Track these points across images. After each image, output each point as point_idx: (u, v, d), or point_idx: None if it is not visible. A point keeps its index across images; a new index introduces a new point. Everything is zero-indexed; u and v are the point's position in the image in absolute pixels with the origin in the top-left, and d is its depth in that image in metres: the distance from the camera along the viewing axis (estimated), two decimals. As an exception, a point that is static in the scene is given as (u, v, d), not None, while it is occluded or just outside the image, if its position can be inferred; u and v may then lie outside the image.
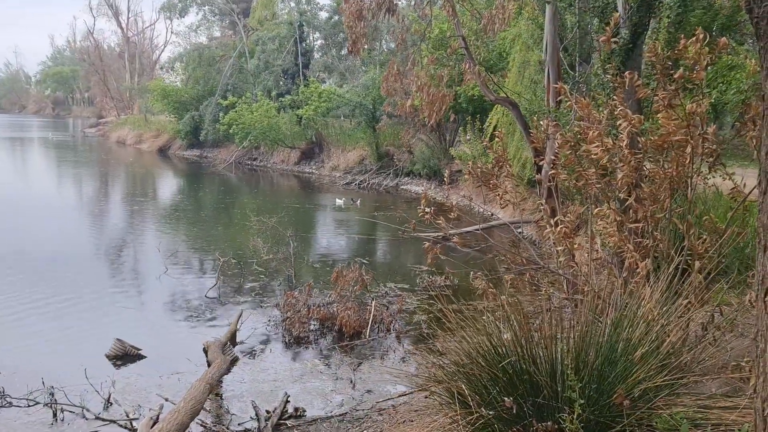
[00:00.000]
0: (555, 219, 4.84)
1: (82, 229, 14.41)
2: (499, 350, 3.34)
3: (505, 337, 3.44)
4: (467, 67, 8.61)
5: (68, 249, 12.02)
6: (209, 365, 6.12)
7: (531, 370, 3.20)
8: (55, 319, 7.99)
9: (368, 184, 22.11)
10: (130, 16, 57.32)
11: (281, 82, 29.98)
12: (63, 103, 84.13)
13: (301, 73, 29.34)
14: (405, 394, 5.41)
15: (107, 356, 6.67)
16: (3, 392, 5.65)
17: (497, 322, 3.60)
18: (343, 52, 32.97)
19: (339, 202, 17.85)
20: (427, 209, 4.96)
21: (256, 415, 5.38)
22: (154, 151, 34.94)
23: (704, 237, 4.21)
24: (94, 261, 11.34)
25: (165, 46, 64.12)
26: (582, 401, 2.93)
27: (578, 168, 4.53)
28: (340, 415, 5.46)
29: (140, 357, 6.75)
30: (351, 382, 6.23)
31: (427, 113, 8.84)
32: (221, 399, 5.88)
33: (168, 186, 24.72)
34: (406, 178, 21.57)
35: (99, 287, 9.48)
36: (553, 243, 4.97)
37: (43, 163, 31.32)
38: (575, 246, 4.81)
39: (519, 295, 4.49)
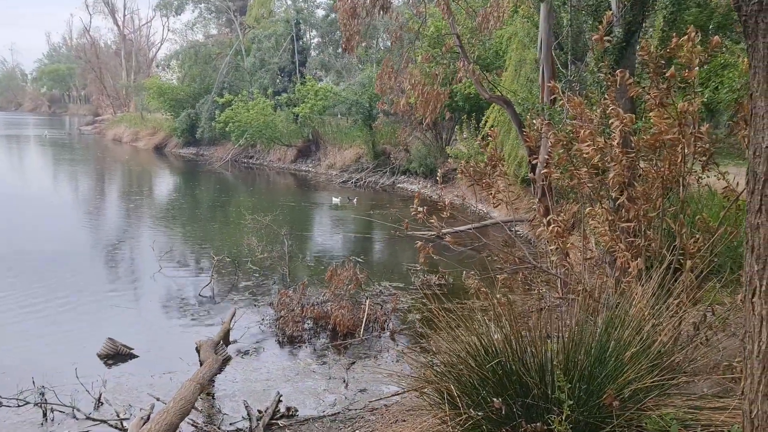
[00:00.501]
0: (548, 218, 4.82)
1: (79, 228, 14.35)
2: (489, 350, 3.33)
3: (496, 337, 3.42)
4: (462, 65, 8.58)
5: (65, 248, 11.97)
6: (201, 364, 6.08)
7: (520, 371, 3.18)
8: (49, 318, 7.94)
9: (365, 182, 22.08)
10: (126, 13, 57.26)
11: (278, 80, 29.90)
12: (59, 101, 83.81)
13: (297, 71, 29.29)
14: (397, 394, 5.39)
15: (99, 355, 6.63)
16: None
17: (488, 322, 3.59)
18: (340, 50, 32.90)
19: (335, 200, 17.80)
20: (420, 208, 4.94)
21: (248, 414, 5.35)
22: (150, 148, 34.83)
23: (697, 236, 4.20)
24: (89, 260, 11.30)
25: (161, 44, 63.90)
26: (571, 402, 2.91)
27: (571, 167, 4.51)
28: (332, 414, 5.43)
29: (132, 356, 6.72)
30: (344, 381, 6.20)
31: (422, 112, 8.83)
32: (213, 398, 5.84)
33: (164, 184, 24.64)
34: (403, 177, 21.54)
35: (94, 286, 9.43)
36: (546, 242, 4.95)
37: (40, 161, 31.19)
38: (568, 245, 4.80)
39: (512, 295, 4.48)
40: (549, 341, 3.42)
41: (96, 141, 41.87)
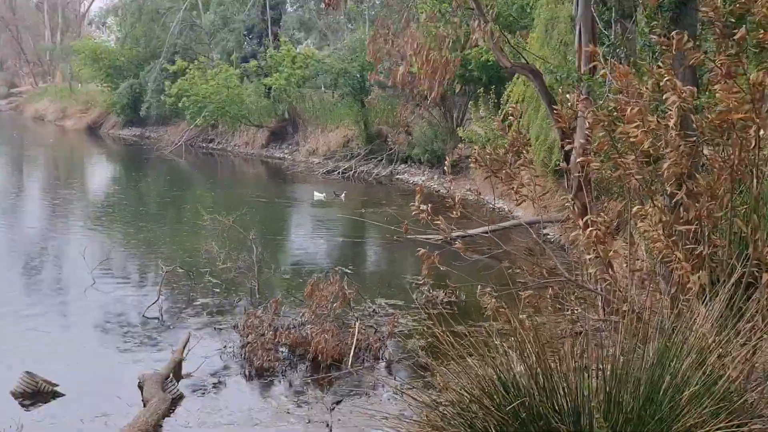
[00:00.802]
0: (585, 219, 4.83)
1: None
2: (510, 387, 3.33)
3: (518, 370, 3.42)
4: (477, 25, 8.58)
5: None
6: (145, 405, 6.08)
7: (549, 413, 3.18)
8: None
9: (355, 172, 22.17)
10: (51, -43, 56.98)
11: (244, 43, 29.95)
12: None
13: (269, 32, 29.27)
14: (394, 442, 5.39)
15: (13, 394, 6.61)
16: None
17: (508, 351, 3.59)
18: (323, 5, 32.91)
19: (318, 195, 17.91)
20: (423, 206, 4.94)
21: (204, 469, 5.35)
22: (81, 129, 34.94)
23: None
24: (3, 271, 11.26)
25: (97, -4, 63.79)
26: (614, 454, 2.91)
27: (614, 154, 4.52)
28: (311, 468, 5.44)
29: (56, 394, 6.69)
30: (327, 426, 6.23)
31: (427, 85, 8.82)
32: (160, 448, 5.86)
33: (99, 174, 24.70)
34: (403, 166, 21.65)
35: (8, 305, 9.39)
36: (583, 249, 4.96)
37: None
38: (611, 253, 4.81)
39: (539, 316, 4.49)
40: (586, 376, 3.42)
41: (12, 119, 41.91)
